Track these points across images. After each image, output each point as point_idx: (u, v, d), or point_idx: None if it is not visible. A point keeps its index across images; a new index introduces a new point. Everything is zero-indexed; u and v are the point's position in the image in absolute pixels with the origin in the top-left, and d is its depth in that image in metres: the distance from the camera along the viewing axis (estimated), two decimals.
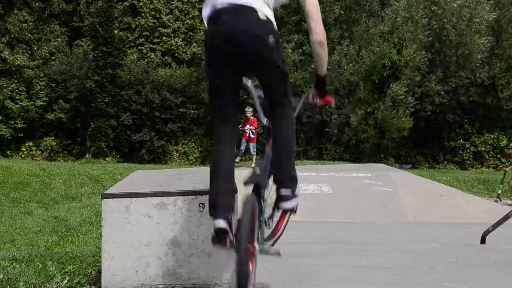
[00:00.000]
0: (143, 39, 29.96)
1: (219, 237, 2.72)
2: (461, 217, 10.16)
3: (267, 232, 3.06)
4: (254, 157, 14.23)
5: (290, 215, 3.03)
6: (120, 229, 3.61)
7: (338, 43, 26.47)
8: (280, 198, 2.93)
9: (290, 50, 26.07)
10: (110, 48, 25.82)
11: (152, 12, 29.74)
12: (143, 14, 29.85)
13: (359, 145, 24.49)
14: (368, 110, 23.84)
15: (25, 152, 26.70)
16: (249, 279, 2.49)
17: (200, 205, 3.65)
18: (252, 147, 13.98)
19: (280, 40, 2.88)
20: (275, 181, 2.97)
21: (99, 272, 3.79)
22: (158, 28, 29.80)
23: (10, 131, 26.57)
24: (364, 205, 10.70)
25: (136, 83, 26.80)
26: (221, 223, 2.70)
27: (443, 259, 4.94)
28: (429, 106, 24.67)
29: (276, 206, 2.96)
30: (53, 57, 27.77)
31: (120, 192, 3.77)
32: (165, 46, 29.80)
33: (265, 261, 4.80)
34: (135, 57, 28.66)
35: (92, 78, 25.61)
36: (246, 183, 2.84)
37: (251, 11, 2.68)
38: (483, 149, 25.38)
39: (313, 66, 2.82)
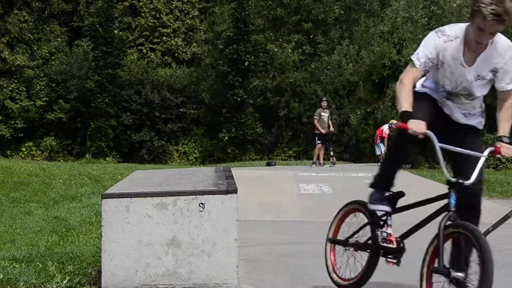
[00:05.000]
0: (143, 39, 29.96)
1: None
2: None
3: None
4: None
5: None
6: (120, 229, 3.61)
7: (338, 43, 26.45)
8: None
9: (290, 50, 26.07)
10: (110, 48, 25.81)
11: (152, 12, 29.73)
12: (143, 14, 29.83)
13: (359, 145, 24.46)
14: (368, 110, 23.82)
15: (25, 152, 26.70)
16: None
17: (200, 205, 3.65)
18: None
19: None
20: None
21: (99, 272, 3.79)
22: (158, 28, 29.79)
23: (10, 131, 26.57)
24: None
25: (136, 83, 26.80)
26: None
27: None
28: None
29: None
30: (53, 57, 27.76)
31: (120, 192, 3.77)
32: (165, 46, 29.79)
33: (265, 261, 4.80)
34: (135, 57, 28.65)
35: (92, 78, 25.61)
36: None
37: None
38: None
39: None
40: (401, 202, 3.59)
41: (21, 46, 27.92)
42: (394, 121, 16.95)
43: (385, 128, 16.76)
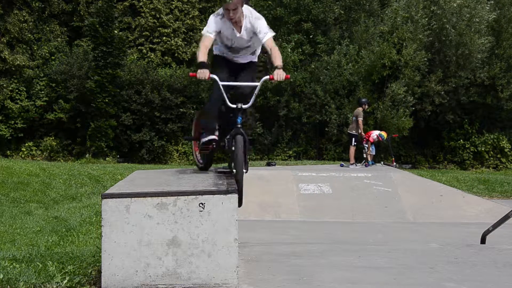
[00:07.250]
0: (143, 39, 29.93)
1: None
2: (461, 217, 10.15)
3: None
4: None
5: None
6: (120, 229, 3.62)
7: (338, 43, 26.44)
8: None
9: (289, 50, 26.06)
10: (110, 48, 25.79)
11: (152, 12, 29.71)
12: (143, 14, 29.81)
13: (358, 145, 24.47)
14: (367, 110, 23.82)
15: (25, 152, 26.68)
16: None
17: (200, 205, 3.65)
18: None
19: None
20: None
21: (99, 272, 3.80)
22: (158, 28, 29.77)
23: (10, 131, 26.55)
24: (364, 205, 10.70)
25: (136, 83, 26.78)
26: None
27: (443, 259, 4.94)
28: (429, 106, 24.63)
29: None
30: (53, 57, 27.75)
31: (120, 192, 3.77)
32: (165, 46, 29.77)
33: (265, 261, 4.79)
34: (135, 57, 28.63)
35: (92, 78, 25.59)
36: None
37: None
38: (483, 149, 25.35)
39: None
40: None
41: (21, 46, 27.89)
42: (383, 133, 17.10)
43: (374, 134, 16.89)
